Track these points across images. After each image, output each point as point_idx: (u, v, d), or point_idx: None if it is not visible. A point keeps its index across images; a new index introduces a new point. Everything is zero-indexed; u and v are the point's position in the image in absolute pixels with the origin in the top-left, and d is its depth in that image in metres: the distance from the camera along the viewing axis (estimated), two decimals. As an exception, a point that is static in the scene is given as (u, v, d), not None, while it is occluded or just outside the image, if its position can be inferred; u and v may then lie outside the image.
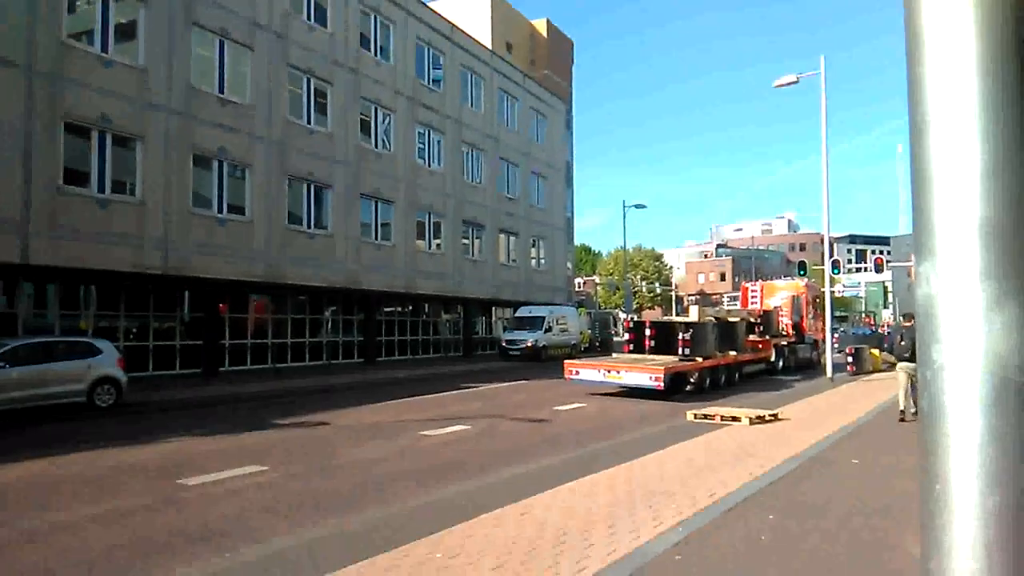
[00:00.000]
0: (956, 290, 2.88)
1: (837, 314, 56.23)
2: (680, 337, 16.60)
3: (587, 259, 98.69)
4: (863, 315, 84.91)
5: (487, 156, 34.50)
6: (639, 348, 17.48)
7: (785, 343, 23.61)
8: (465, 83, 33.18)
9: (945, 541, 2.97)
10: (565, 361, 17.17)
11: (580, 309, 42.67)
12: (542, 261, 40.11)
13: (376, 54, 27.46)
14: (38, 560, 5.34)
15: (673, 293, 79.51)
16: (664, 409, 14.11)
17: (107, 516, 6.52)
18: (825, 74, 20.69)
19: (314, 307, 25.81)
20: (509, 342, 30.66)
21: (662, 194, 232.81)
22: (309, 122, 24.20)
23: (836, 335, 24.99)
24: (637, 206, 49.05)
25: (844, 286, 68.34)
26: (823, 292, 27.46)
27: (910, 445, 2.67)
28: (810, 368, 24.66)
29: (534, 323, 31.11)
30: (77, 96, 16.94)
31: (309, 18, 24.28)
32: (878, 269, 34.98)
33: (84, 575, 5.05)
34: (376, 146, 27.37)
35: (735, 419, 11.69)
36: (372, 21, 27.25)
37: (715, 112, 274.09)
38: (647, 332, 17.42)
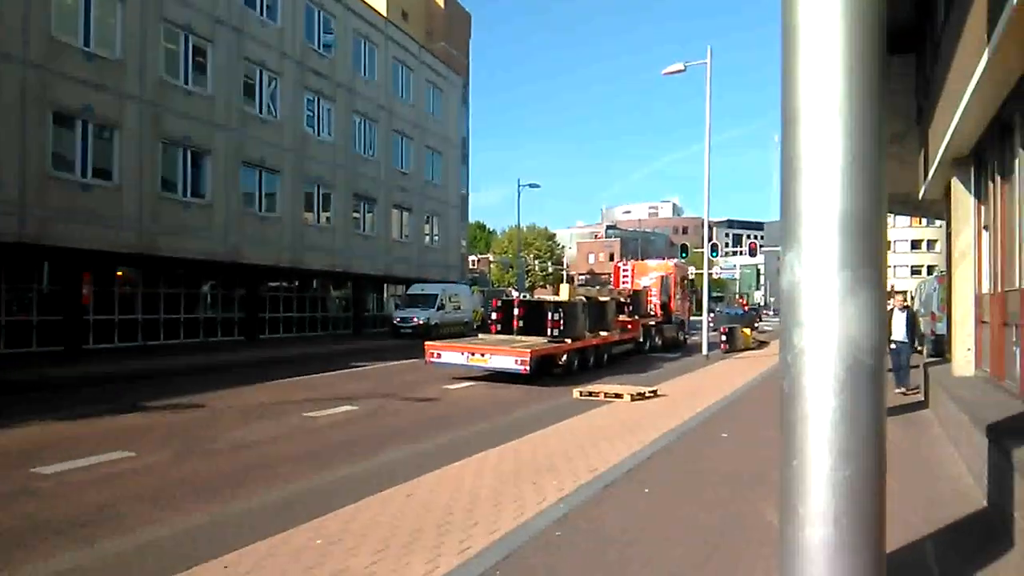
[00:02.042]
0: (817, 278, 3.09)
1: (714, 295, 59.53)
2: (550, 317, 16.11)
3: (482, 237, 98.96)
4: (737, 296, 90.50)
5: (380, 128, 33.63)
6: (507, 328, 16.73)
7: (653, 323, 24.03)
8: (358, 50, 32.07)
9: (800, 510, 3.20)
10: (425, 343, 16.06)
11: (473, 287, 42.80)
12: (436, 238, 39.77)
13: (262, 13, 25.97)
14: None
15: (565, 272, 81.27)
16: (552, 387, 14.42)
17: (-56, 511, 5.88)
18: (711, 64, 21.60)
19: (191, 281, 24.34)
20: (401, 320, 30.30)
21: (556, 174, 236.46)
22: (187, 82, 22.60)
23: (712, 315, 26.36)
24: (531, 185, 49.64)
25: (721, 268, 72.35)
26: (691, 273, 28.92)
27: (776, 420, 2.88)
28: (677, 348, 25.52)
29: (427, 300, 30.87)
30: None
31: (187, -30, 22.57)
32: (752, 253, 37.29)
33: (-86, 577, 4.54)
34: (261, 112, 25.99)
35: (618, 396, 12.13)
36: (258, -22, 25.71)
37: (609, 95, 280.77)
38: (515, 312, 16.70)
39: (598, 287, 27.99)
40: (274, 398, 12.55)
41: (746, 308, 32.41)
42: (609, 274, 25.98)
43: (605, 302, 19.52)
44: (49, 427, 9.71)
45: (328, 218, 30.21)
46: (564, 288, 18.28)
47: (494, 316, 17.18)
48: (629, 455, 7.54)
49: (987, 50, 5.91)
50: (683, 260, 30.47)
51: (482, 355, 14.69)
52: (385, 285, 36.83)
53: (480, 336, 17.83)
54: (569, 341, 16.35)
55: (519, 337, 16.20)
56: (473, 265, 73.79)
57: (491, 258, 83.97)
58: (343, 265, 30.80)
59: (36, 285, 19.24)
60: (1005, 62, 5.89)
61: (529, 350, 14.27)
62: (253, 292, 26.52)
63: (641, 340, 22.53)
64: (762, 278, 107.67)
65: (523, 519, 5.27)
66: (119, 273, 21.57)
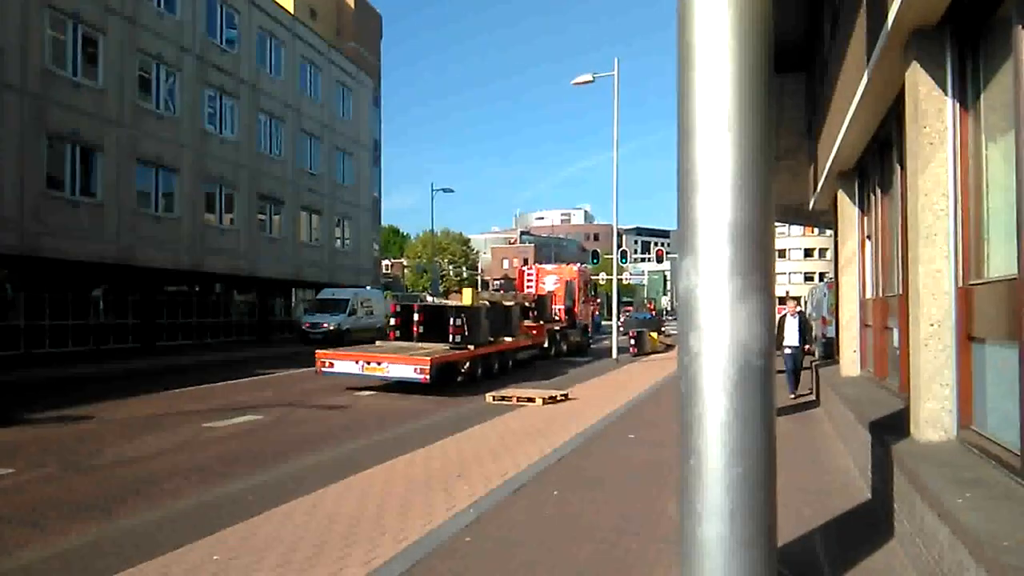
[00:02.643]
0: (711, 284, 3.21)
1: (624, 300, 61.20)
2: (451, 323, 15.34)
3: (395, 241, 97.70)
4: (645, 301, 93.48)
5: (287, 127, 32.61)
6: (406, 335, 15.92)
7: (559, 328, 23.72)
8: (263, 47, 30.98)
9: (698, 506, 3.31)
10: (317, 351, 14.97)
11: (386, 292, 42.17)
12: (347, 241, 38.91)
13: (159, 5, 24.65)
14: None
15: (479, 277, 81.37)
16: (464, 392, 14.39)
17: None
18: (619, 75, 22.21)
19: (80, 285, 22.74)
20: (311, 325, 29.41)
21: (470, 179, 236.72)
22: (75, 74, 21.14)
23: (621, 319, 27.00)
24: (445, 190, 49.59)
25: (631, 274, 74.50)
26: (593, 278, 29.41)
27: (678, 420, 2.99)
28: (581, 352, 25.60)
29: (337, 305, 30.12)
30: None
31: (76, -46, 21.14)
32: (659, 260, 38.51)
33: None
34: (158, 107, 24.65)
35: (530, 400, 12.24)
36: (155, -33, 24.41)
37: (522, 101, 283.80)
38: (415, 317, 15.91)
39: (501, 291, 27.85)
40: (171, 408, 11.91)
41: (654, 313, 33.44)
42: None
43: (510, 307, 19.05)
44: (-90, 446, 8.82)
45: (232, 219, 28.97)
46: (466, 293, 17.59)
47: (392, 322, 16.43)
48: (540, 458, 7.62)
49: (867, 70, 6.36)
50: (594, 265, 31.06)
51: (378, 363, 13.86)
52: (294, 290, 35.69)
53: (377, 343, 16.85)
54: (472, 348, 15.68)
55: (419, 344, 15.47)
56: (387, 270, 72.73)
57: (405, 263, 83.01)
58: (248, 269, 29.62)
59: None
60: (883, 81, 6.34)
61: (429, 358, 13.55)
62: (149, 297, 25.07)
63: (546, 345, 22.34)
64: (668, 284, 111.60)
65: (432, 526, 5.22)
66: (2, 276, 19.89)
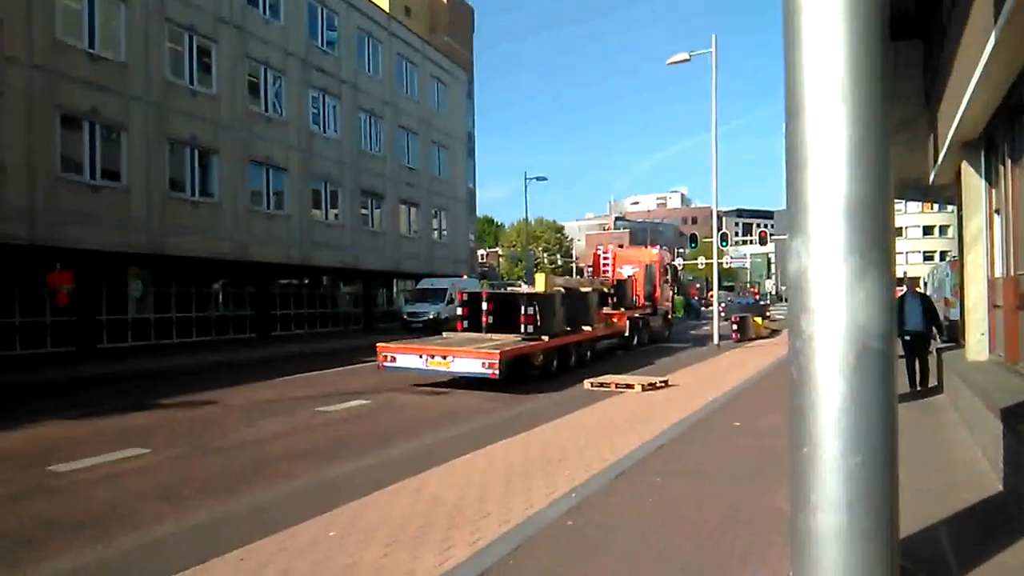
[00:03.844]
0: (824, 264, 3.05)
1: (725, 284, 59.35)
2: (522, 312, 14.21)
3: (490, 231, 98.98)
4: (748, 285, 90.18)
5: (386, 124, 33.62)
6: (475, 326, 14.86)
7: (640, 315, 22.22)
8: (362, 47, 32.03)
9: (812, 497, 3.17)
10: (377, 344, 13.76)
11: (483, 281, 42.81)
12: (444, 233, 39.78)
13: (264, 12, 25.97)
14: None
15: (574, 264, 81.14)
16: (562, 378, 14.41)
17: (-38, 510, 5.94)
18: (716, 52, 21.43)
19: (202, 280, 24.45)
20: (411, 314, 30.33)
21: (563, 167, 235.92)
22: (192, 82, 22.66)
23: (723, 304, 26.10)
24: (538, 178, 49.69)
25: (732, 258, 72.04)
26: (692, 262, 28.14)
27: (787, 408, 2.86)
28: (662, 342, 24.14)
29: (436, 295, 30.89)
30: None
31: (190, -30, 22.59)
32: (762, 242, 37.08)
33: (-67, 577, 4.60)
34: (266, 110, 26.04)
35: (628, 386, 12.11)
36: (261, -23, 25.70)
37: (614, 87, 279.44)
38: (484, 306, 14.78)
39: (579, 277, 26.88)
40: (286, 394, 12.61)
41: (757, 297, 32.21)
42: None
43: (587, 293, 17.76)
44: (64, 426, 9.80)
45: (336, 215, 30.27)
46: (539, 278, 16.17)
47: (460, 312, 15.38)
48: (640, 445, 7.53)
49: (994, 32, 5.83)
50: (693, 249, 30.11)
51: (443, 357, 12.59)
52: (395, 280, 36.89)
53: (444, 335, 15.67)
54: (546, 338, 14.42)
55: (489, 335, 14.35)
56: (482, 259, 73.83)
57: (500, 252, 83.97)
58: (352, 261, 30.88)
59: (52, 289, 19.35)
60: (1012, 43, 5.80)
61: (498, 351, 12.25)
62: (264, 290, 26.63)
63: (628, 334, 20.88)
64: (773, 267, 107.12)
65: (533, 510, 5.27)
66: (130, 273, 21.69)
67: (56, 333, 19.12)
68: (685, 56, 21.76)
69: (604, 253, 24.66)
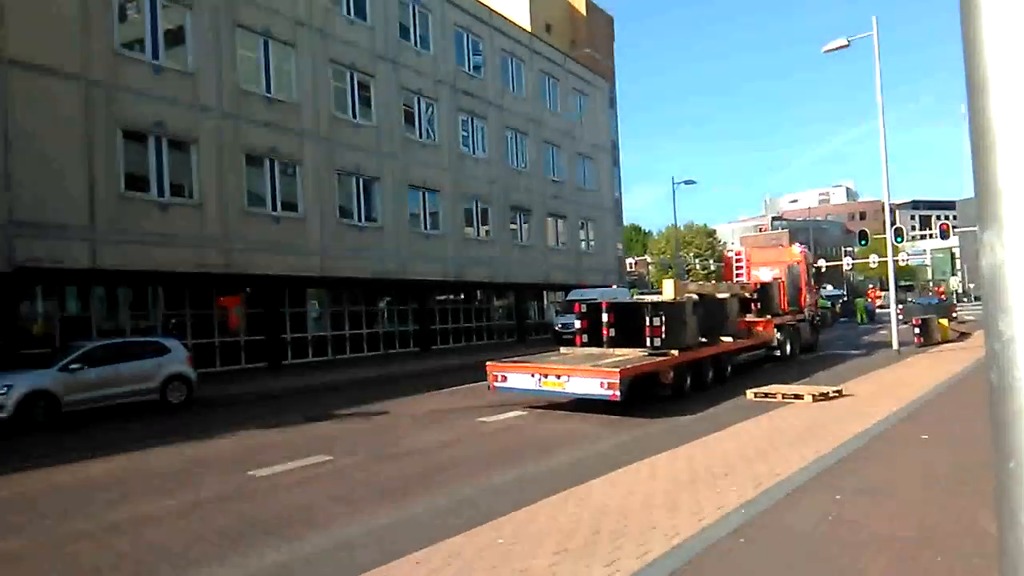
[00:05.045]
0: (1023, 257, 2.74)
1: (902, 284, 54.21)
2: (648, 323, 12.67)
3: (638, 239, 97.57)
4: (932, 284, 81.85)
5: (531, 140, 34.36)
6: (595, 339, 13.48)
7: (789, 322, 19.92)
8: (505, 67, 33.03)
9: (1022, 516, 2.84)
10: (488, 363, 12.60)
11: (632, 290, 42.29)
12: (592, 243, 39.83)
13: (416, 44, 27.57)
14: (126, 550, 5.64)
15: (727, 269, 77.76)
16: (724, 389, 13.87)
17: (185, 508, 6.82)
18: (878, 34, 19.83)
19: (369, 298, 26.29)
20: (563, 326, 30.57)
21: (712, 168, 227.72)
22: (354, 116, 24.52)
23: (900, 306, 23.76)
24: (687, 182, 48.12)
25: (908, 254, 65.72)
26: (862, 260, 25.19)
27: (984, 418, 2.57)
28: (811, 351, 21.91)
29: (586, 306, 30.90)
30: (132, 104, 17.55)
31: (349, 12, 24.50)
32: (943, 235, 33.53)
33: (167, 564, 5.31)
34: (421, 136, 27.56)
35: (797, 397, 11.44)
36: (410, 11, 27.32)
37: (762, 83, 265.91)
38: (604, 317, 13.35)
39: (713, 282, 24.16)
40: (448, 405, 13.20)
41: (943, 297, 29.06)
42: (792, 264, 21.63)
43: (724, 300, 16.03)
44: (261, 434, 10.92)
45: (487, 231, 31.31)
46: (667, 284, 14.56)
47: (578, 324, 14.05)
48: (815, 459, 7.09)
49: None
50: (862, 247, 27.68)
51: (557, 377, 11.37)
52: (544, 292, 37.44)
53: (562, 350, 14.35)
54: (676, 352, 12.75)
55: (611, 351, 13.08)
56: (630, 268, 72.91)
57: (648, 260, 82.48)
58: (504, 275, 31.77)
59: (242, 308, 21.68)
60: None
61: (618, 369, 10.79)
62: (423, 306, 28.09)
63: (776, 344, 18.70)
64: (958, 262, 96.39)
65: (702, 525, 5.14)
66: (308, 295, 23.80)
67: (249, 351, 21.35)
68: (843, 42, 20.33)
69: (736, 255, 22.57)
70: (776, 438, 8.34)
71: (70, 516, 6.67)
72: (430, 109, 28.03)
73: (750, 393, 12.17)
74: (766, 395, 11.89)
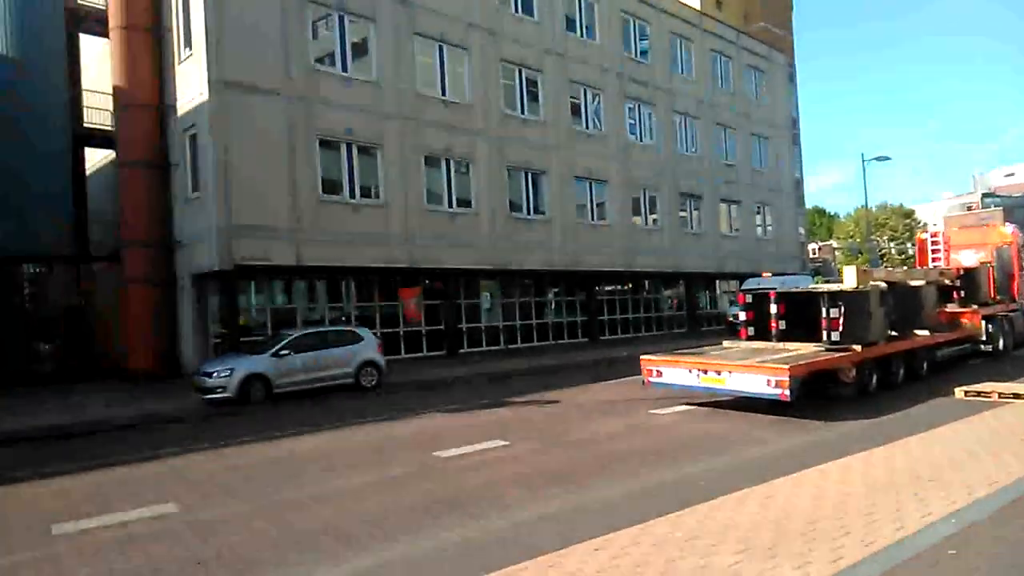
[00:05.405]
0: None
1: None
2: (825, 314, 11.41)
3: (822, 222, 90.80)
4: None
5: (701, 123, 33.09)
6: (762, 333, 12.42)
7: (1002, 313, 17.17)
8: (674, 50, 32.04)
9: None
10: (642, 357, 12.06)
11: (817, 277, 39.40)
12: (769, 228, 37.65)
13: (582, 35, 27.57)
14: (329, 518, 6.27)
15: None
16: (920, 388, 12.53)
17: (379, 483, 7.44)
18: None
19: (538, 290, 26.86)
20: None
21: (908, 142, 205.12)
22: (523, 112, 25.08)
23: None
24: (879, 159, 43.87)
25: None
26: None
27: None
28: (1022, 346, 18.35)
29: (763, 295, 29.31)
30: (326, 114, 19.29)
31: (517, 10, 25.06)
32: None
33: (366, 532, 5.83)
34: (587, 127, 27.57)
35: (1017, 396, 10.08)
36: (576, 2, 27.38)
37: (962, 48, 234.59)
38: (772, 308, 12.23)
39: (905, 268, 20.92)
40: (618, 395, 13.16)
41: None
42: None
43: (918, 288, 14.20)
44: (443, 418, 11.63)
45: (655, 220, 30.68)
46: (848, 271, 12.79)
47: (742, 316, 13.06)
48: (1041, 468, 6.23)
49: None
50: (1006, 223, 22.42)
51: (718, 373, 10.58)
52: (717, 281, 35.99)
53: (725, 344, 13.23)
54: (858, 347, 11.35)
55: (780, 345, 11.99)
56: (814, 254, 68.02)
57: (835, 244, 76.39)
58: (673, 264, 30.98)
59: (422, 300, 23.07)
60: None
61: (787, 366, 9.77)
62: (591, 296, 28.17)
63: (984, 339, 16.17)
64: None
65: (904, 533, 4.72)
66: (481, 287, 24.82)
67: (429, 340, 22.70)
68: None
69: (932, 236, 19.88)
70: (993, 441, 7.42)
71: (284, 485, 7.53)
72: (596, 99, 27.96)
73: (959, 392, 10.92)
74: (979, 394, 10.60)
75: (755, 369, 10.15)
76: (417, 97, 21.61)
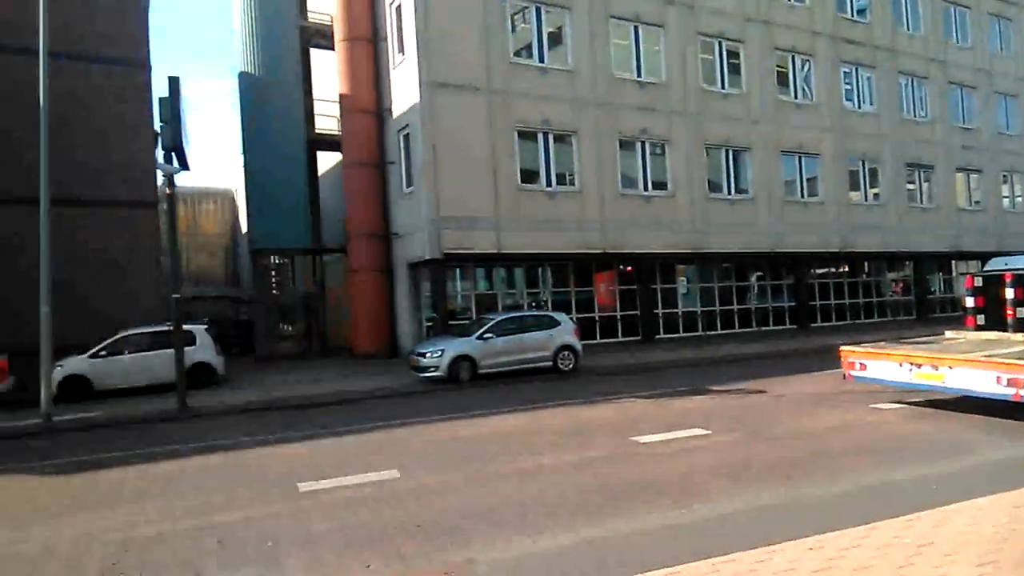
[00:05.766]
0: None
1: None
2: None
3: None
4: None
5: (931, 84, 29.23)
6: (994, 321, 10.82)
7: None
8: (897, 5, 28.55)
9: None
10: (842, 348, 10.75)
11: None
12: (1018, 200, 32.43)
13: (788, -1, 25.63)
14: (536, 493, 6.57)
15: None
16: None
17: (579, 463, 7.63)
18: None
19: (739, 274, 25.58)
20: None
21: None
22: (723, 87, 23.93)
23: None
24: None
25: None
26: None
27: None
28: None
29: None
30: (524, 106, 19.91)
31: (715, -19, 23.93)
32: None
33: (569, 509, 6.04)
34: (795, 97, 25.60)
35: None
36: (782, -35, 25.49)
37: None
38: (1009, 294, 10.58)
39: None
40: (831, 388, 12.18)
41: None
42: None
43: None
44: (640, 403, 11.61)
45: (876, 194, 27.75)
46: None
47: (970, 303, 11.55)
48: None
49: None
50: None
51: (934, 367, 9.13)
52: (953, 263, 31.74)
53: (947, 334, 11.55)
54: None
55: (1017, 336, 10.42)
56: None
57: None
58: (898, 244, 27.84)
59: (615, 286, 23.06)
60: None
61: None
62: (800, 280, 26.24)
63: None
64: None
65: None
66: (677, 271, 24.21)
67: (624, 325, 22.65)
68: None
69: None
70: None
71: (493, 460, 8.00)
72: (805, 66, 25.87)
73: None
74: None
75: (982, 364, 8.66)
76: (612, 81, 21.52)
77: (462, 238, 18.89)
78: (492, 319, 16.16)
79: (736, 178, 24.23)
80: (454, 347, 15.15)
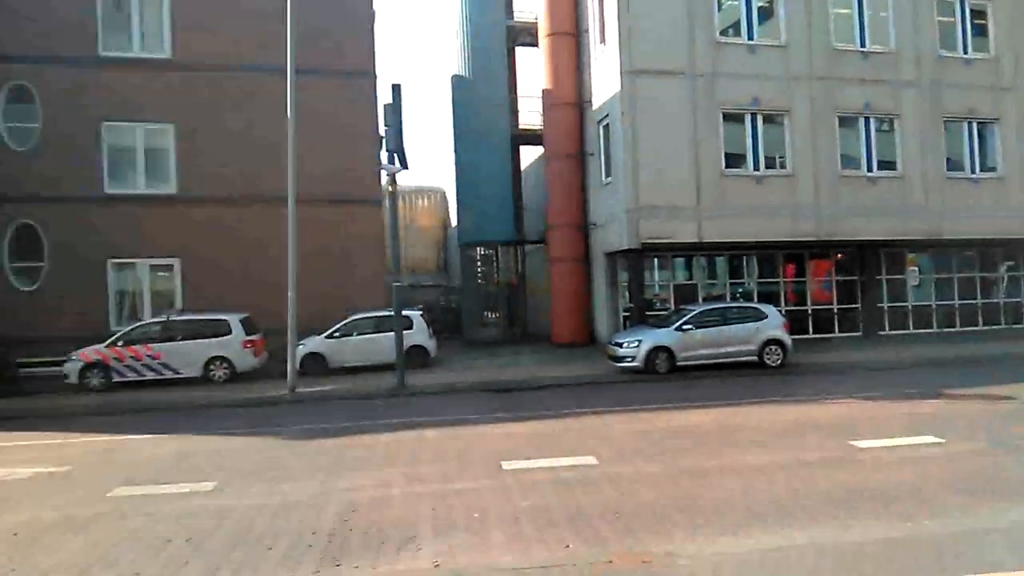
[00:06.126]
0: None
1: None
2: None
3: None
4: None
5: None
6: None
7: None
8: None
9: None
10: None
11: None
12: None
13: (1055, -59, 21.71)
14: (737, 492, 6.37)
15: None
16: None
17: (788, 465, 7.23)
18: None
19: (985, 263, 22.29)
20: None
21: None
22: (965, 52, 20.93)
23: None
24: None
25: None
26: None
27: None
28: None
29: None
30: (730, 86, 18.98)
31: (958, -71, 20.96)
32: None
33: (774, 513, 5.77)
34: (1062, 57, 21.70)
35: None
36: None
37: None
38: None
39: None
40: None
41: None
42: None
43: None
44: (859, 406, 10.65)
45: None
46: None
47: None
48: None
49: None
50: None
51: None
52: None
53: None
54: None
55: None
56: None
57: None
58: None
59: (830, 277, 21.23)
60: None
61: None
62: (1065, 271, 22.30)
63: None
64: None
65: None
66: (907, 260, 21.66)
67: (842, 320, 20.85)
68: None
69: None
70: None
71: (690, 453, 7.87)
72: (1075, 19, 21.79)
73: None
74: None
75: None
76: (831, 53, 19.77)
77: (661, 227, 18.54)
78: (692, 310, 15.74)
79: (982, 154, 21.14)
80: (652, 338, 14.99)
